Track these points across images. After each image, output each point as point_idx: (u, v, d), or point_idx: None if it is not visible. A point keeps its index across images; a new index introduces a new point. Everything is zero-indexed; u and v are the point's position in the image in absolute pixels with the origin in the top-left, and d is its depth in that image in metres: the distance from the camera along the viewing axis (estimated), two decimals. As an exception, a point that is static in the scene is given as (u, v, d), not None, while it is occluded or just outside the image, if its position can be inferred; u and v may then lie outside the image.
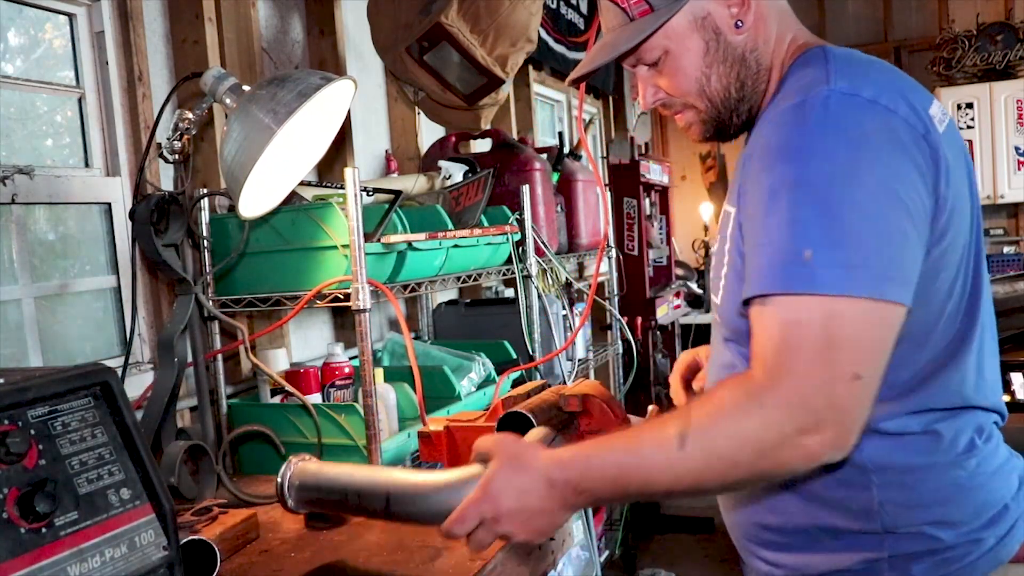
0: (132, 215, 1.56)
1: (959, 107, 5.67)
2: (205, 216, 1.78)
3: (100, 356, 1.84)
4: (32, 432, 0.87)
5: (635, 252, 3.93)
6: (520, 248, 2.35)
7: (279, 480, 1.27)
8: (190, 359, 1.68)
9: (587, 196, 2.98)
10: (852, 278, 0.83)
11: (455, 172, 2.69)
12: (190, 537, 1.15)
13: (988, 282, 1.05)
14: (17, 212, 1.67)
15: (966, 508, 0.97)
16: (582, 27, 4.20)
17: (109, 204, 1.85)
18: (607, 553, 3.21)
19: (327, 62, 2.45)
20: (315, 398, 1.82)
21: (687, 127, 1.11)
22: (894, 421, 0.96)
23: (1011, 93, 5.58)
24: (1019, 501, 1.01)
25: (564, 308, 2.69)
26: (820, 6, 6.27)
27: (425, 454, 1.49)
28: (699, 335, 4.54)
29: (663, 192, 4.42)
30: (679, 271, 4.46)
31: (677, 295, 4.39)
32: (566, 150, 3.04)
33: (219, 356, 1.83)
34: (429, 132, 3.00)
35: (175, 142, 1.55)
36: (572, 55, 4.03)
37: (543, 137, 4.15)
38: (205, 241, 1.77)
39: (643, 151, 4.21)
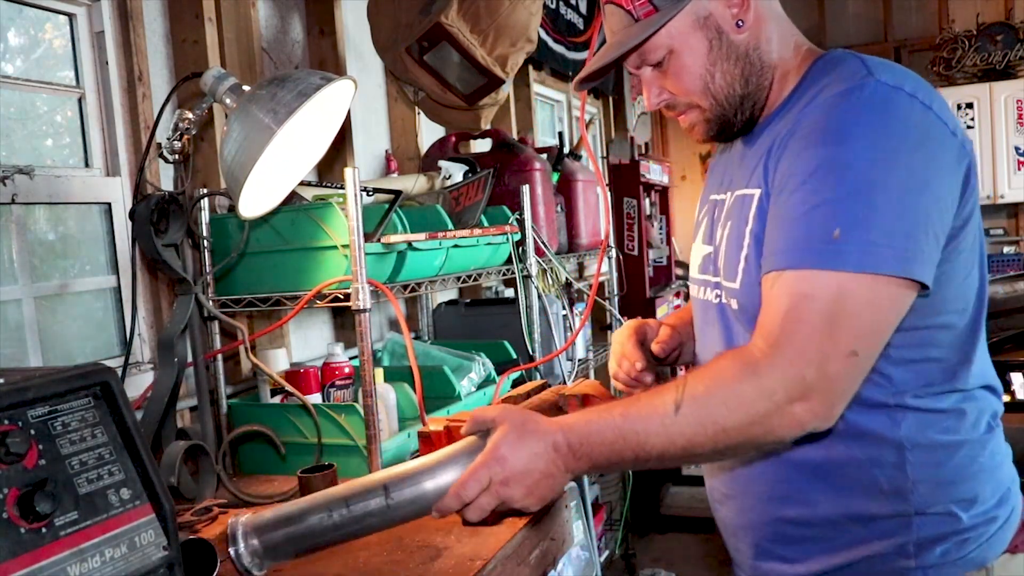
0: (132, 215, 1.56)
1: (959, 107, 5.67)
2: (205, 216, 1.78)
3: (100, 356, 1.84)
4: (32, 432, 0.87)
5: (635, 252, 3.93)
6: (520, 248, 2.35)
7: (230, 545, 1.04)
8: (190, 359, 1.68)
9: (587, 196, 2.98)
10: (876, 255, 0.87)
11: (455, 172, 2.69)
12: (190, 537, 1.15)
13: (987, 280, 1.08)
14: (17, 212, 1.67)
15: (985, 486, 1.01)
16: (581, 27, 4.20)
17: (109, 204, 1.85)
18: (607, 553, 3.21)
19: (327, 62, 2.45)
20: (315, 398, 1.82)
21: (690, 128, 1.12)
22: (928, 399, 0.99)
23: (1011, 93, 5.58)
24: (1017, 488, 1.06)
25: (564, 308, 2.69)
26: (820, 6, 6.28)
27: (425, 454, 1.48)
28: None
29: (663, 192, 4.42)
30: (679, 271, 4.46)
31: (677, 295, 4.39)
32: (566, 150, 3.04)
33: (219, 356, 1.83)
34: (429, 132, 3.00)
35: (175, 142, 1.55)
36: (572, 55, 4.03)
37: (543, 137, 4.15)
38: (205, 241, 1.77)
39: (643, 151, 4.22)
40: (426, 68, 2.53)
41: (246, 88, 1.47)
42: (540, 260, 2.46)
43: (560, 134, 3.30)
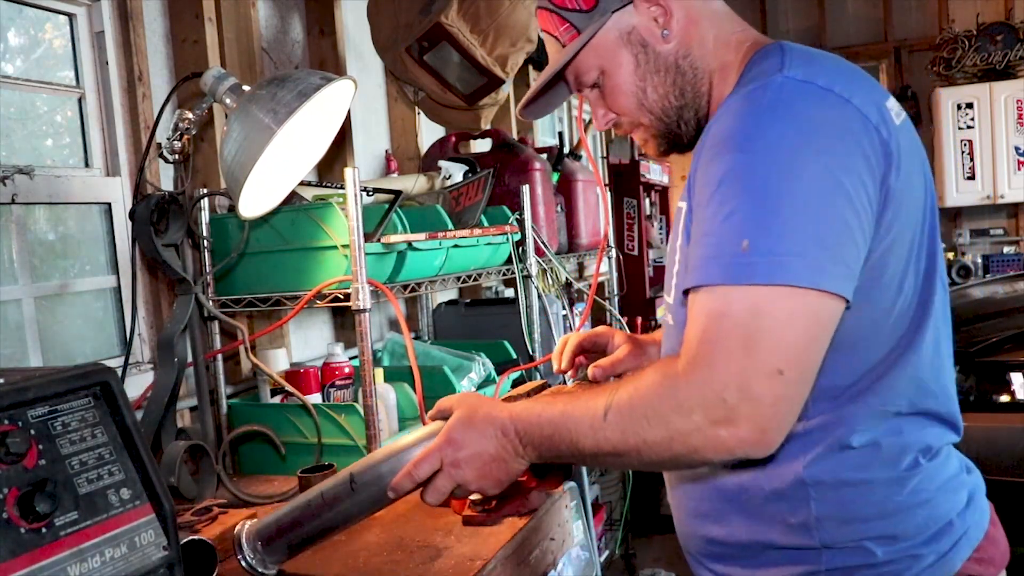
0: (132, 215, 1.56)
1: (959, 107, 5.68)
2: (205, 216, 1.78)
3: (100, 356, 1.84)
4: (32, 432, 0.87)
5: (635, 252, 3.93)
6: (520, 248, 2.35)
7: (236, 553, 1.12)
8: (190, 359, 1.68)
9: (587, 196, 2.98)
10: (788, 267, 0.82)
11: (455, 172, 2.69)
12: (190, 537, 1.15)
13: (944, 287, 1.01)
14: (17, 212, 1.67)
15: (907, 524, 0.95)
16: (582, 27, 4.18)
17: (109, 204, 1.85)
18: (607, 553, 3.21)
19: (327, 62, 2.45)
20: (315, 398, 1.82)
21: (643, 144, 1.11)
22: (834, 433, 0.94)
23: (1011, 93, 5.58)
24: (965, 518, 0.98)
25: (564, 308, 2.69)
26: (820, 6, 6.28)
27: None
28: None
29: (663, 192, 4.42)
30: (679, 271, 4.44)
31: (677, 295, 4.38)
32: (566, 150, 3.04)
33: (219, 356, 1.83)
34: (429, 132, 3.00)
35: (175, 142, 1.55)
36: (572, 55, 4.02)
37: (543, 137, 4.15)
38: (205, 241, 1.77)
39: (643, 151, 4.21)
40: (426, 68, 2.53)
41: (246, 88, 1.47)
42: (540, 260, 2.46)
43: (560, 134, 3.30)
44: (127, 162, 1.86)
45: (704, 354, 0.83)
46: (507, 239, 2.23)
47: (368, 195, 2.00)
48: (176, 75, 1.96)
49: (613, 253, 3.38)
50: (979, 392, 3.11)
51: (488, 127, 2.84)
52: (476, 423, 0.98)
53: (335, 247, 1.69)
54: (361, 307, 1.61)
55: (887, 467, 0.95)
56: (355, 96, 1.55)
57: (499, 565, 1.25)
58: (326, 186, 1.96)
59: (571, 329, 2.68)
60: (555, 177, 2.86)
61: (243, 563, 1.10)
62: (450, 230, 2.04)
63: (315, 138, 1.59)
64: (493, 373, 2.20)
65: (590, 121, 1.17)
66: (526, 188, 2.39)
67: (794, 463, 0.95)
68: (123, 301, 1.87)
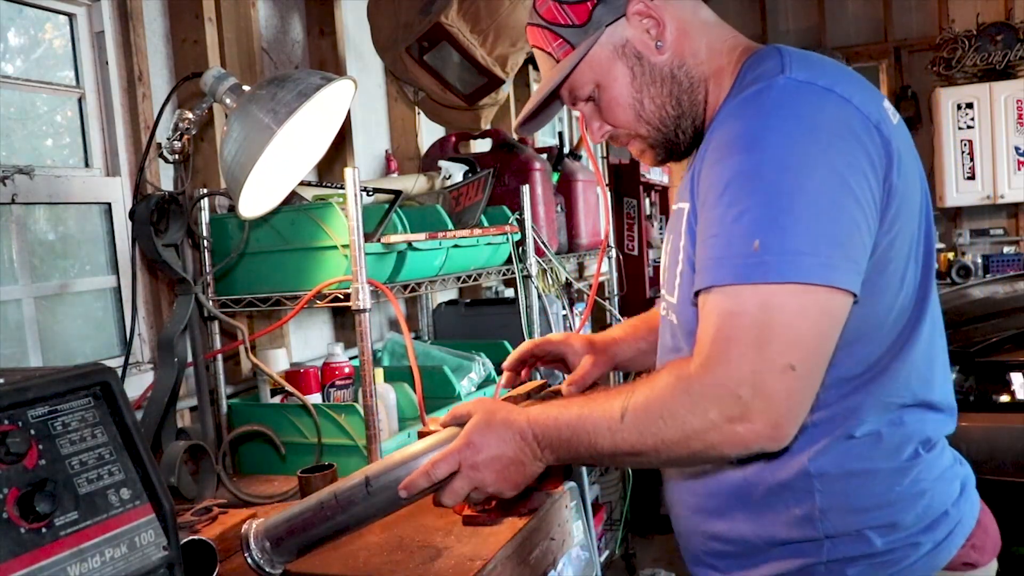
0: (132, 215, 1.56)
1: (959, 107, 5.68)
2: (205, 216, 1.78)
3: (100, 356, 1.84)
4: (32, 432, 0.87)
5: (635, 252, 3.93)
6: (520, 248, 2.35)
7: (244, 550, 1.10)
8: (190, 359, 1.68)
9: (587, 196, 2.98)
10: (799, 265, 0.84)
11: (455, 172, 2.69)
12: (190, 537, 1.15)
13: (935, 286, 1.03)
14: (17, 212, 1.67)
15: (906, 513, 0.97)
16: (582, 27, 4.19)
17: (109, 204, 1.85)
18: (607, 553, 3.21)
19: (327, 62, 2.45)
20: (315, 398, 1.82)
21: (640, 154, 1.12)
22: (840, 425, 0.96)
23: (1011, 93, 5.58)
24: (959, 507, 1.01)
25: (564, 308, 2.69)
26: (820, 6, 6.28)
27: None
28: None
29: (663, 192, 4.43)
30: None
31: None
32: (566, 150, 3.04)
33: (219, 356, 1.83)
34: (429, 132, 3.00)
35: (175, 142, 1.55)
36: (572, 55, 4.02)
37: (543, 137, 4.15)
38: (205, 241, 1.77)
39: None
40: (426, 68, 2.53)
41: (246, 88, 1.47)
42: (540, 260, 2.46)
43: (560, 134, 3.30)
44: (127, 162, 1.86)
45: (717, 353, 0.85)
46: (507, 239, 2.23)
47: (368, 195, 2.00)
48: (176, 75, 1.96)
49: (613, 253, 3.38)
50: (979, 392, 3.11)
51: (488, 127, 2.84)
52: (495, 426, 0.99)
53: (335, 247, 1.69)
54: (361, 307, 1.61)
55: (889, 457, 0.97)
56: (355, 96, 1.55)
57: (499, 565, 1.25)
58: (326, 186, 1.96)
59: (571, 329, 2.68)
60: (555, 177, 2.86)
61: (250, 561, 1.10)
62: (450, 230, 2.04)
63: (315, 138, 1.59)
64: (493, 373, 2.20)
65: (582, 136, 1.17)
66: (526, 188, 2.39)
67: (800, 455, 0.97)
68: (123, 301, 1.87)
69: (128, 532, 0.92)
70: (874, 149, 0.90)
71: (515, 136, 3.26)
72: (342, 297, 1.65)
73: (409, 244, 1.81)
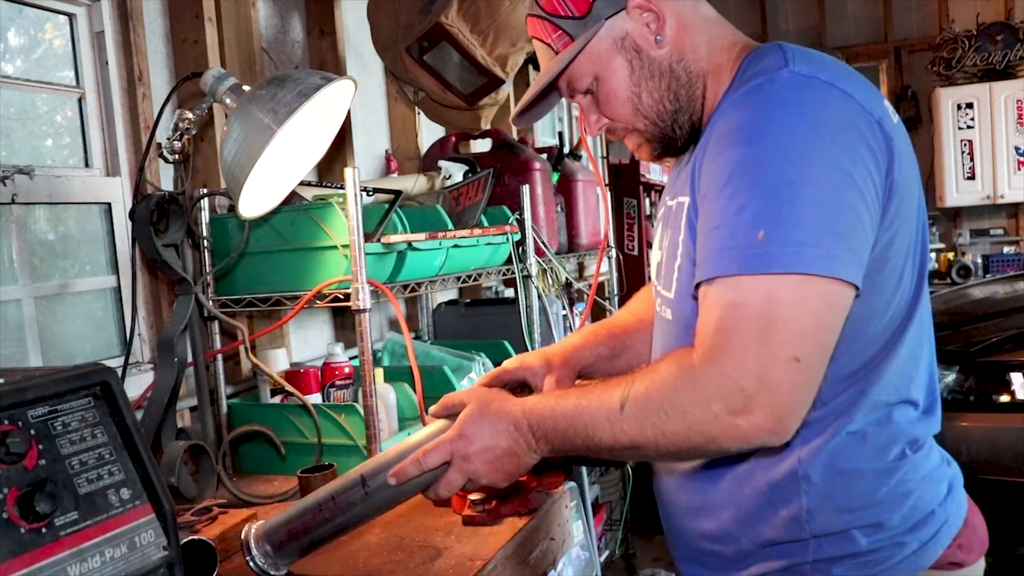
0: (132, 215, 1.56)
1: (959, 107, 5.68)
2: (205, 216, 1.78)
3: (100, 356, 1.84)
4: (32, 432, 0.87)
5: (635, 252, 3.93)
6: (520, 248, 2.35)
7: (245, 555, 1.09)
8: (190, 359, 1.68)
9: (587, 196, 2.98)
10: (803, 256, 0.83)
11: (455, 172, 2.69)
12: (190, 537, 1.15)
13: (927, 286, 1.03)
14: (17, 212, 1.67)
15: (892, 513, 0.97)
16: (582, 27, 4.18)
17: (109, 204, 1.85)
18: (607, 553, 3.21)
19: (327, 62, 2.45)
20: (315, 398, 1.82)
21: (637, 148, 1.12)
22: (831, 423, 0.96)
23: (1011, 93, 5.58)
24: (946, 508, 1.01)
25: (564, 308, 2.69)
26: (820, 6, 6.28)
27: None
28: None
29: (663, 192, 4.42)
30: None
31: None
32: (566, 150, 3.04)
33: (219, 356, 1.83)
34: (429, 132, 3.00)
35: (175, 142, 1.55)
36: (572, 55, 4.02)
37: (543, 137, 4.15)
38: (205, 241, 1.77)
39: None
40: (426, 68, 2.53)
41: (246, 88, 1.47)
42: (540, 260, 2.46)
43: (560, 134, 3.30)
44: (127, 162, 1.86)
45: (720, 344, 0.84)
46: (507, 239, 2.23)
47: (368, 195, 2.00)
48: (176, 75, 1.96)
49: (613, 253, 3.37)
50: (979, 392, 3.11)
51: (488, 127, 2.84)
52: (488, 417, 0.98)
53: (335, 247, 1.69)
54: (361, 307, 1.61)
55: (876, 457, 0.97)
56: (355, 96, 1.55)
57: (499, 565, 1.25)
58: (326, 186, 1.96)
59: (571, 329, 2.68)
60: (555, 177, 2.86)
61: (253, 566, 1.09)
62: (450, 230, 2.04)
63: (315, 138, 1.59)
64: (493, 373, 2.20)
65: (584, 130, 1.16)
66: (526, 188, 2.39)
67: (791, 455, 0.97)
68: (123, 301, 1.87)
69: (128, 532, 0.92)
70: (876, 144, 0.90)
71: (514, 132, 3.27)
72: (342, 297, 1.65)
73: (409, 244, 1.81)
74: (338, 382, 1.85)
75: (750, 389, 0.82)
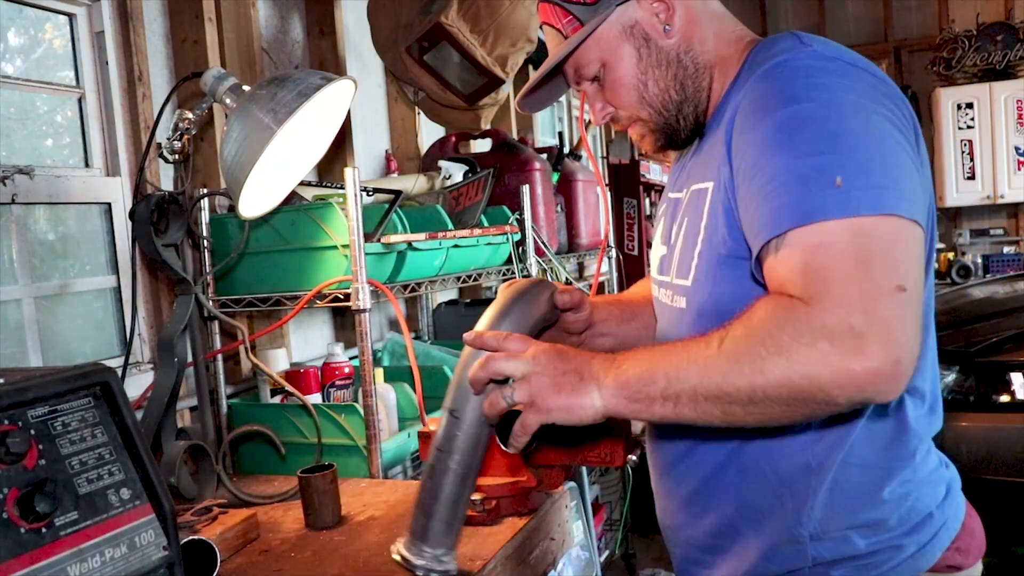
0: (132, 215, 1.56)
1: (959, 107, 5.68)
2: (205, 216, 1.78)
3: (100, 356, 1.84)
4: (32, 432, 0.87)
5: (635, 252, 3.93)
6: (520, 248, 2.35)
7: (410, 567, 1.05)
8: (190, 359, 1.68)
9: (587, 196, 2.98)
10: (887, 198, 0.79)
11: (455, 172, 2.69)
12: (190, 537, 1.15)
13: (932, 278, 1.01)
14: (17, 212, 1.67)
15: (891, 514, 0.96)
16: (582, 27, 4.19)
17: (109, 204, 1.85)
18: (607, 553, 3.21)
19: (327, 62, 2.45)
20: (315, 398, 1.82)
21: (640, 139, 1.11)
22: (845, 415, 0.93)
23: (1011, 93, 5.59)
24: (944, 510, 1.00)
25: (564, 308, 2.68)
26: (820, 6, 6.28)
27: (425, 454, 1.49)
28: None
29: (663, 192, 4.42)
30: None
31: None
32: (566, 150, 3.04)
33: (219, 356, 1.83)
34: (429, 132, 3.00)
35: (175, 142, 1.55)
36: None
37: (543, 137, 4.15)
38: (205, 241, 1.77)
39: (643, 151, 4.22)
40: (426, 68, 2.53)
41: (246, 88, 1.47)
42: (540, 260, 2.46)
43: (560, 134, 3.30)
44: (127, 162, 1.86)
45: (817, 281, 0.77)
46: (507, 239, 2.23)
47: (368, 195, 2.00)
48: (176, 75, 1.96)
49: (613, 253, 3.37)
50: (979, 392, 3.11)
51: (488, 127, 2.84)
52: (566, 352, 0.91)
53: (335, 247, 1.69)
54: (361, 307, 1.61)
55: (885, 452, 0.97)
56: (355, 96, 1.55)
57: (499, 565, 1.25)
58: (326, 186, 1.96)
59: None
60: (555, 177, 2.86)
61: (420, 573, 1.03)
62: (450, 230, 2.04)
63: (315, 138, 1.59)
64: (493, 373, 2.20)
65: (590, 121, 1.16)
66: (526, 188, 2.40)
67: (805, 448, 0.96)
68: (123, 301, 1.87)
69: (128, 532, 0.92)
70: (908, 117, 0.90)
71: (514, 132, 3.27)
72: (342, 297, 1.66)
73: (409, 244, 1.81)
74: (338, 382, 1.86)
75: (860, 325, 0.74)
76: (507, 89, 2.75)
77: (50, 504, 0.84)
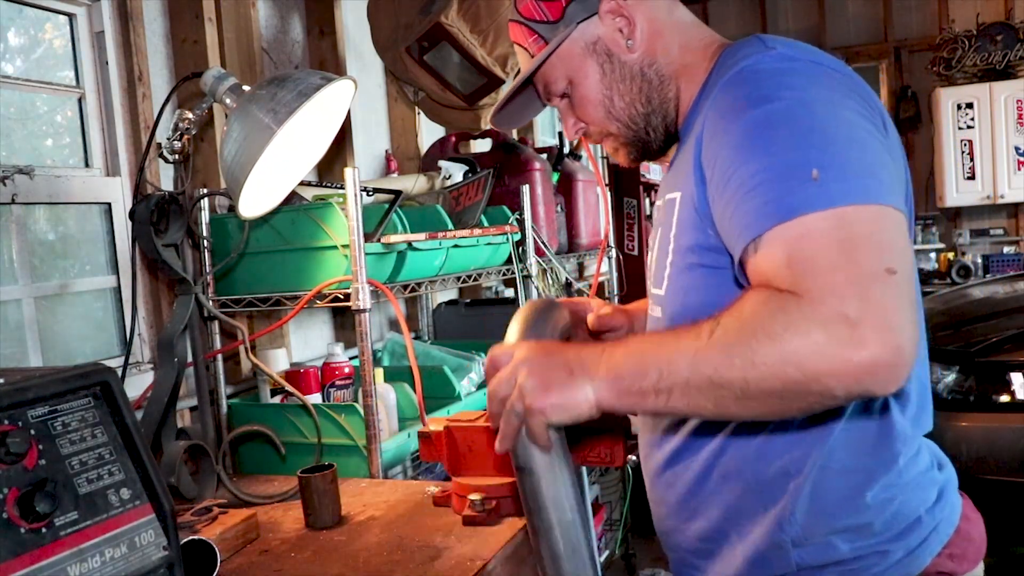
0: (132, 215, 1.56)
1: (959, 107, 5.68)
2: (205, 216, 1.78)
3: (100, 356, 1.84)
4: (32, 432, 0.87)
5: (635, 252, 3.93)
6: (520, 248, 2.35)
7: None
8: (190, 359, 1.68)
9: (587, 196, 2.98)
10: (867, 187, 0.78)
11: (455, 172, 2.69)
12: (190, 537, 1.15)
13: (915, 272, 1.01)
14: (17, 212, 1.67)
15: (874, 518, 0.95)
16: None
17: (109, 204, 1.85)
18: (607, 553, 3.21)
19: (327, 62, 2.45)
20: (315, 398, 1.82)
21: (614, 152, 1.13)
22: (823, 416, 0.93)
23: (1011, 93, 5.58)
24: (934, 514, 0.97)
25: (564, 308, 2.69)
26: (820, 6, 6.28)
27: (425, 454, 1.49)
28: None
29: (663, 193, 4.42)
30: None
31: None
32: (566, 150, 3.04)
33: (219, 356, 1.83)
34: (429, 132, 3.00)
35: (175, 142, 1.55)
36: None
37: (543, 137, 4.15)
38: (205, 241, 1.77)
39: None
40: (426, 68, 2.53)
41: (246, 88, 1.47)
42: (540, 260, 2.46)
43: (560, 134, 3.29)
44: (127, 162, 1.86)
45: (805, 273, 0.75)
46: (507, 239, 2.23)
47: (368, 195, 2.00)
48: (176, 75, 1.96)
49: (613, 253, 3.37)
50: (979, 392, 3.11)
51: (488, 127, 2.84)
52: (551, 349, 0.89)
53: (335, 247, 1.69)
54: (361, 307, 1.61)
55: (867, 456, 0.95)
56: (355, 96, 1.55)
57: (499, 565, 1.25)
58: (326, 186, 1.96)
59: (571, 329, 2.67)
60: (555, 177, 2.86)
61: None
62: (450, 230, 2.04)
63: (315, 138, 1.59)
64: (493, 373, 2.20)
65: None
66: (526, 188, 2.39)
67: (782, 452, 0.95)
68: (123, 301, 1.87)
69: (128, 532, 0.92)
70: (873, 111, 0.89)
71: (514, 131, 3.26)
72: (342, 297, 1.66)
73: (409, 244, 1.81)
74: (338, 382, 1.86)
75: (854, 312, 0.71)
76: (507, 89, 2.75)
77: (50, 504, 0.84)
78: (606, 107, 1.06)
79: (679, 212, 0.98)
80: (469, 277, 2.14)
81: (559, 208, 2.81)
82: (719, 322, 0.78)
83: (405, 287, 1.88)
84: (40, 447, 0.87)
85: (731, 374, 0.76)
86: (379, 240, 1.73)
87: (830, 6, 6.27)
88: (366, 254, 1.63)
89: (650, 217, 4.23)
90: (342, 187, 1.65)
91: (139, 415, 1.54)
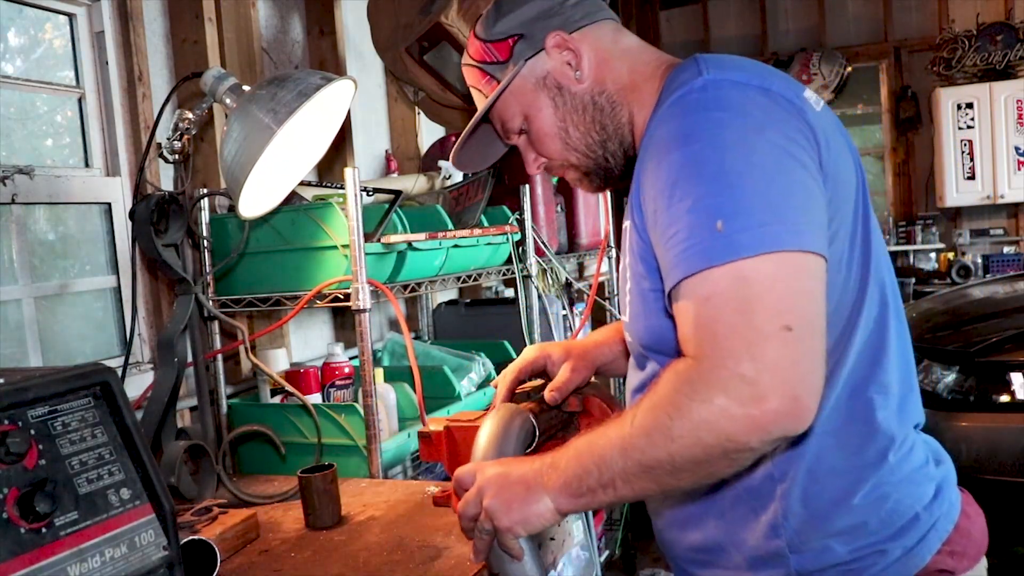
0: (132, 215, 1.56)
1: (959, 107, 5.67)
2: (205, 216, 1.78)
3: (100, 356, 1.84)
4: (32, 432, 0.87)
5: (635, 252, 3.91)
6: (520, 248, 2.35)
7: None
8: (190, 359, 1.68)
9: (587, 196, 2.98)
10: (767, 235, 0.81)
11: (455, 172, 2.69)
12: (190, 537, 1.15)
13: (890, 268, 1.01)
14: (17, 212, 1.67)
15: (870, 518, 0.94)
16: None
17: (109, 204, 1.85)
18: (607, 553, 3.21)
19: (327, 62, 2.46)
20: (315, 398, 1.82)
21: (577, 183, 1.14)
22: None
23: (1011, 93, 5.58)
24: (932, 511, 0.97)
25: (564, 308, 2.69)
26: (820, 6, 6.27)
27: (425, 454, 1.48)
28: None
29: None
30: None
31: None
32: (566, 150, 3.03)
33: (219, 356, 1.83)
34: (429, 132, 3.00)
35: (175, 142, 1.55)
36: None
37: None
38: (205, 241, 1.77)
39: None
40: (426, 68, 2.53)
41: (246, 88, 1.47)
42: (540, 260, 2.46)
43: (560, 134, 3.29)
44: (127, 162, 1.86)
45: (704, 338, 0.81)
46: (507, 239, 2.23)
47: (368, 195, 2.00)
48: (176, 75, 1.96)
49: (613, 253, 3.37)
50: (979, 392, 3.10)
51: (488, 127, 2.84)
52: (508, 469, 0.97)
53: (335, 247, 1.69)
54: (361, 307, 1.61)
55: (852, 456, 0.95)
56: (355, 96, 1.55)
57: (499, 565, 1.25)
58: (326, 186, 1.96)
59: (571, 329, 2.67)
60: (555, 177, 2.86)
61: None
62: (450, 230, 2.04)
63: (315, 138, 1.59)
64: (493, 373, 2.20)
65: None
66: (526, 188, 2.39)
67: (764, 459, 0.95)
68: (123, 301, 1.87)
69: (128, 532, 0.92)
70: (801, 130, 0.90)
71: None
72: (342, 297, 1.66)
73: (409, 244, 1.81)
74: (338, 382, 1.85)
75: (750, 372, 0.77)
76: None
77: (50, 504, 0.84)
78: (562, 138, 1.08)
79: (631, 239, 1.00)
80: (469, 277, 2.14)
81: (559, 208, 2.81)
82: (639, 407, 0.86)
83: (405, 287, 1.88)
84: (40, 447, 0.87)
85: (657, 454, 0.83)
86: (379, 240, 1.73)
87: (830, 6, 6.26)
88: (366, 254, 1.63)
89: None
90: (342, 187, 1.65)
91: (139, 415, 1.54)
